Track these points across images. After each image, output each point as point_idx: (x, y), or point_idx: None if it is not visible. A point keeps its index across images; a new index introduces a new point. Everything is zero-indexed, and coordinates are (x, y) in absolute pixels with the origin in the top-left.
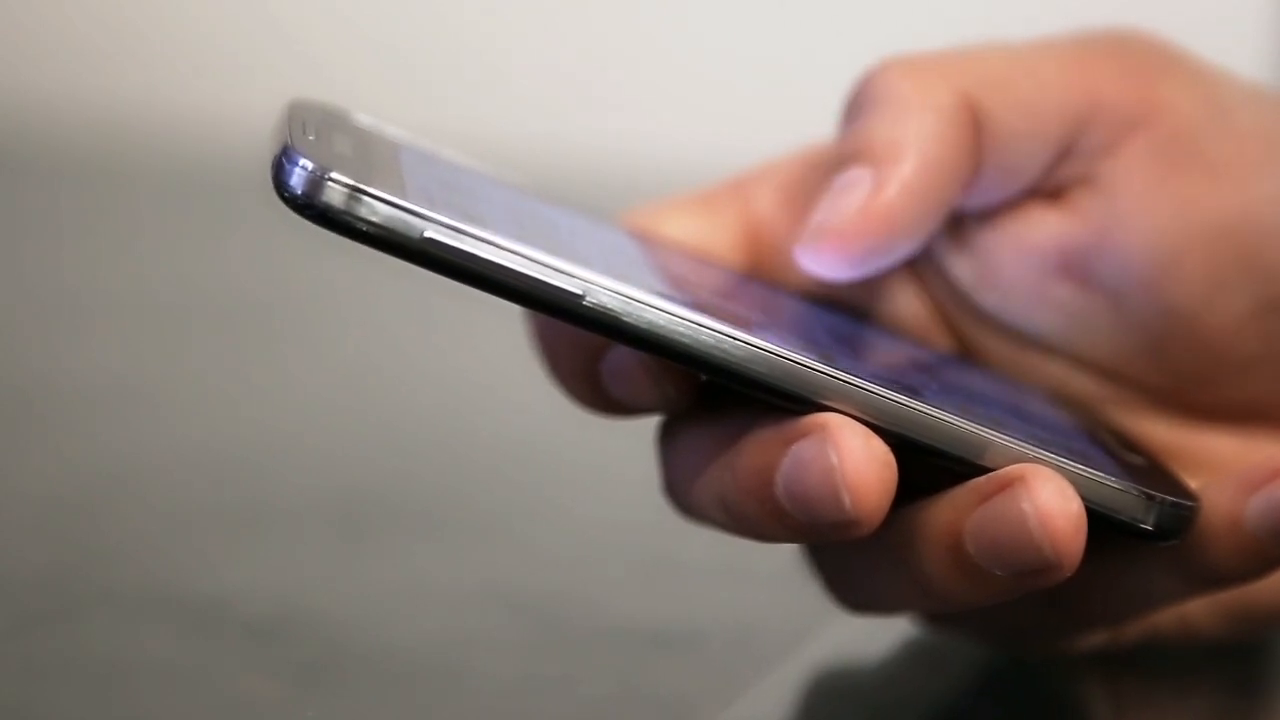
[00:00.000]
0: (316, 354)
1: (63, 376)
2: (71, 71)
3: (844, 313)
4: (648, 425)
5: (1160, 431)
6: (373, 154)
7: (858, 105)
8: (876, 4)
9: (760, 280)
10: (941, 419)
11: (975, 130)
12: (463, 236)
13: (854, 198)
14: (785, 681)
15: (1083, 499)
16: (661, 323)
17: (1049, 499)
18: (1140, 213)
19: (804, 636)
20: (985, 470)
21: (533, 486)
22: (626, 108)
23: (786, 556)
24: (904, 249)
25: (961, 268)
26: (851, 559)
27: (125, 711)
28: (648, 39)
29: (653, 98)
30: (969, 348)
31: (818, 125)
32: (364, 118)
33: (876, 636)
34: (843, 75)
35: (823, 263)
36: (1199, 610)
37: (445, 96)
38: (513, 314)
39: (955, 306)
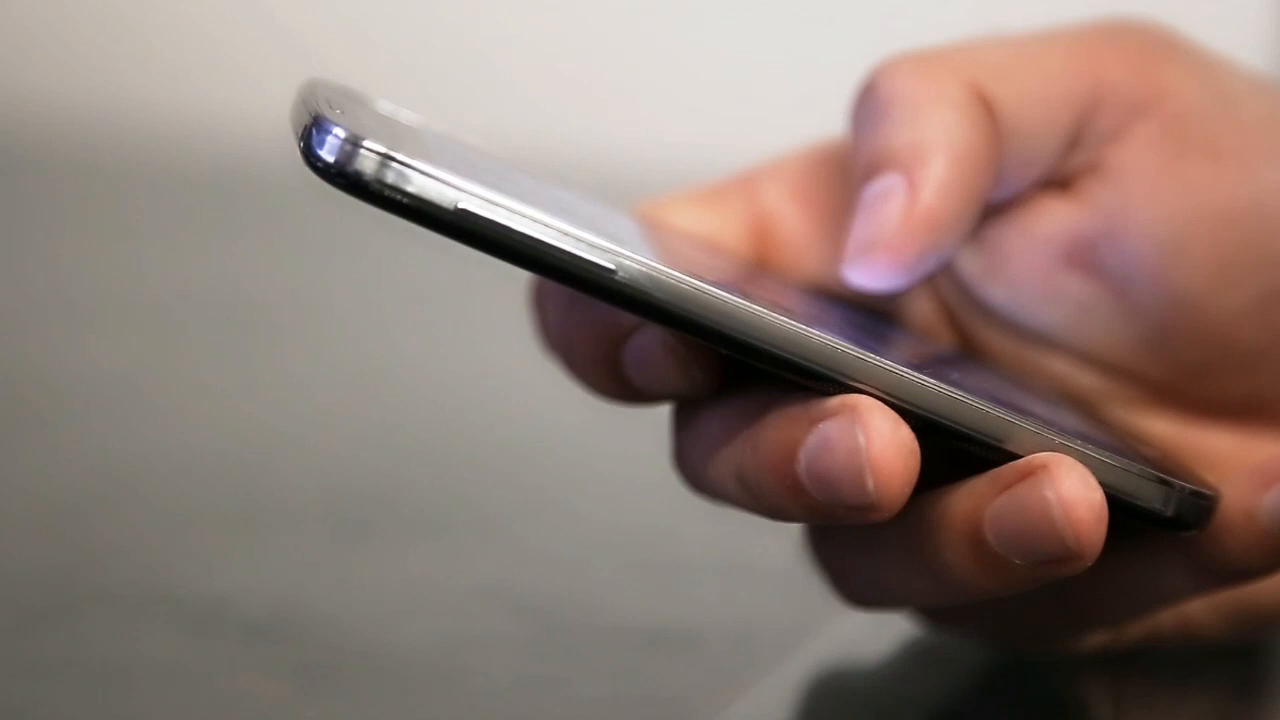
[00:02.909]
0: (316, 354)
1: (63, 376)
2: (71, 71)
3: (851, 305)
4: (648, 425)
5: (1161, 428)
6: (398, 131)
7: (868, 108)
8: (877, 3)
9: (769, 271)
10: (967, 402)
11: (992, 119)
12: (496, 208)
13: (893, 207)
14: (785, 681)
15: (1104, 486)
16: (695, 299)
17: (1072, 487)
18: (1147, 198)
19: (804, 636)
20: (1008, 455)
21: (533, 486)
22: (627, 108)
23: (786, 556)
24: (951, 248)
25: (968, 260)
26: (861, 549)
27: (125, 711)
28: (648, 39)
29: (653, 98)
30: (971, 343)
31: (818, 124)
32: (383, 103)
33: (877, 636)
34: (843, 75)
35: (874, 276)
36: (1199, 611)
37: (446, 96)
38: (513, 315)
39: (960, 301)
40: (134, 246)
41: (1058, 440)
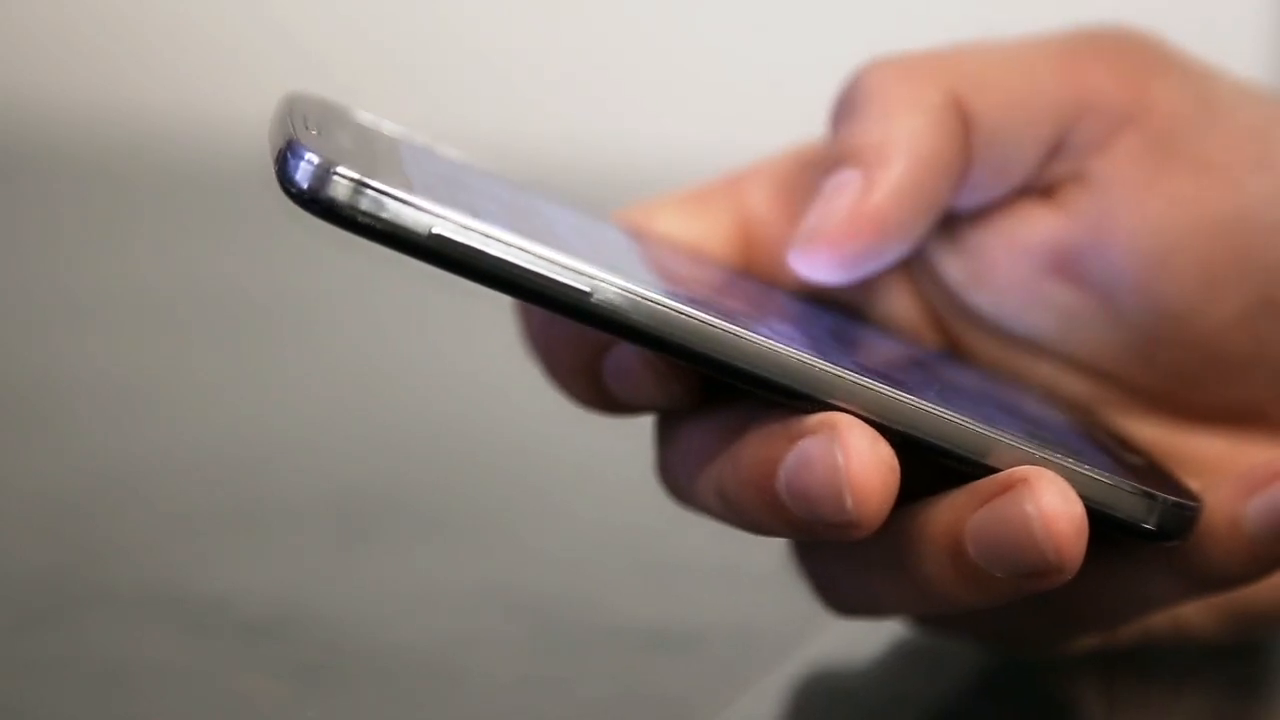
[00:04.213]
0: (316, 354)
1: (63, 376)
2: (71, 71)
3: (837, 310)
4: (647, 426)
5: (1150, 433)
6: (375, 149)
7: (846, 107)
8: (873, 3)
9: (755, 278)
10: (947, 418)
11: (964, 129)
12: (470, 233)
13: (844, 201)
14: (785, 681)
15: (1085, 499)
16: (670, 321)
17: (1052, 501)
18: (1131, 210)
19: (803, 637)
20: (989, 470)
21: (533, 486)
22: (625, 107)
23: (785, 557)
24: (896, 251)
25: (953, 267)
26: (845, 560)
27: (125, 711)
28: (646, 38)
29: (651, 97)
30: (960, 348)
31: (814, 124)
32: (361, 113)
33: (875, 637)
34: (839, 75)
35: (814, 266)
36: (1193, 611)
37: (445, 96)
38: (513, 315)
39: (946, 306)
40: (134, 246)
41: (1038, 454)
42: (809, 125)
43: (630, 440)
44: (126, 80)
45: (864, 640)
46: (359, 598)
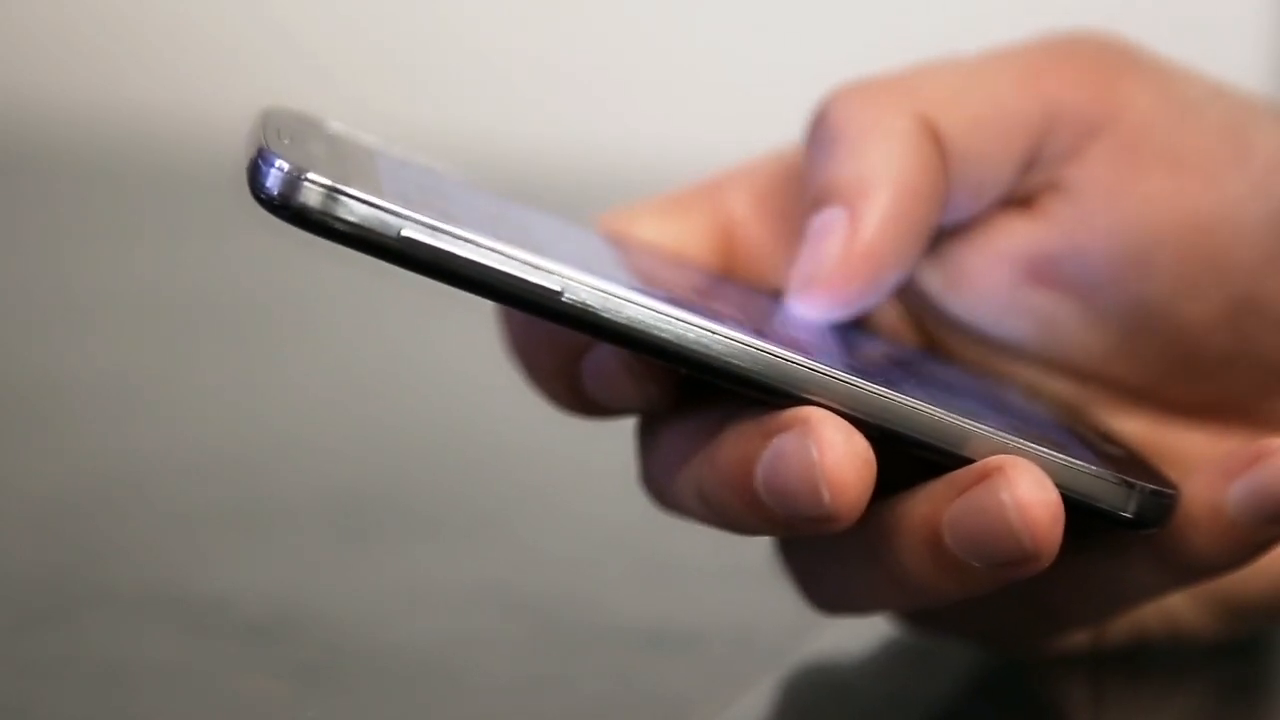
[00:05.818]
0: (316, 354)
1: (63, 376)
2: (71, 71)
3: None
4: None
5: (1134, 429)
6: (348, 158)
7: (818, 139)
8: (866, 5)
9: (735, 280)
10: (921, 410)
11: (939, 150)
12: (440, 234)
13: (834, 242)
14: (784, 681)
15: (1062, 488)
16: (641, 318)
17: (1027, 489)
18: (1107, 213)
19: (803, 636)
20: (965, 461)
21: (532, 486)
22: (624, 107)
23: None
24: (892, 282)
25: (933, 278)
26: (826, 556)
27: (125, 711)
28: (645, 39)
29: (650, 97)
30: (940, 348)
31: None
32: (338, 125)
33: (875, 636)
34: (838, 76)
35: (816, 310)
36: (1186, 608)
37: (445, 96)
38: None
39: (927, 315)
40: (134, 246)
41: (1013, 444)
42: (801, 126)
43: (629, 440)
44: (126, 80)
45: (862, 640)
46: (359, 598)
